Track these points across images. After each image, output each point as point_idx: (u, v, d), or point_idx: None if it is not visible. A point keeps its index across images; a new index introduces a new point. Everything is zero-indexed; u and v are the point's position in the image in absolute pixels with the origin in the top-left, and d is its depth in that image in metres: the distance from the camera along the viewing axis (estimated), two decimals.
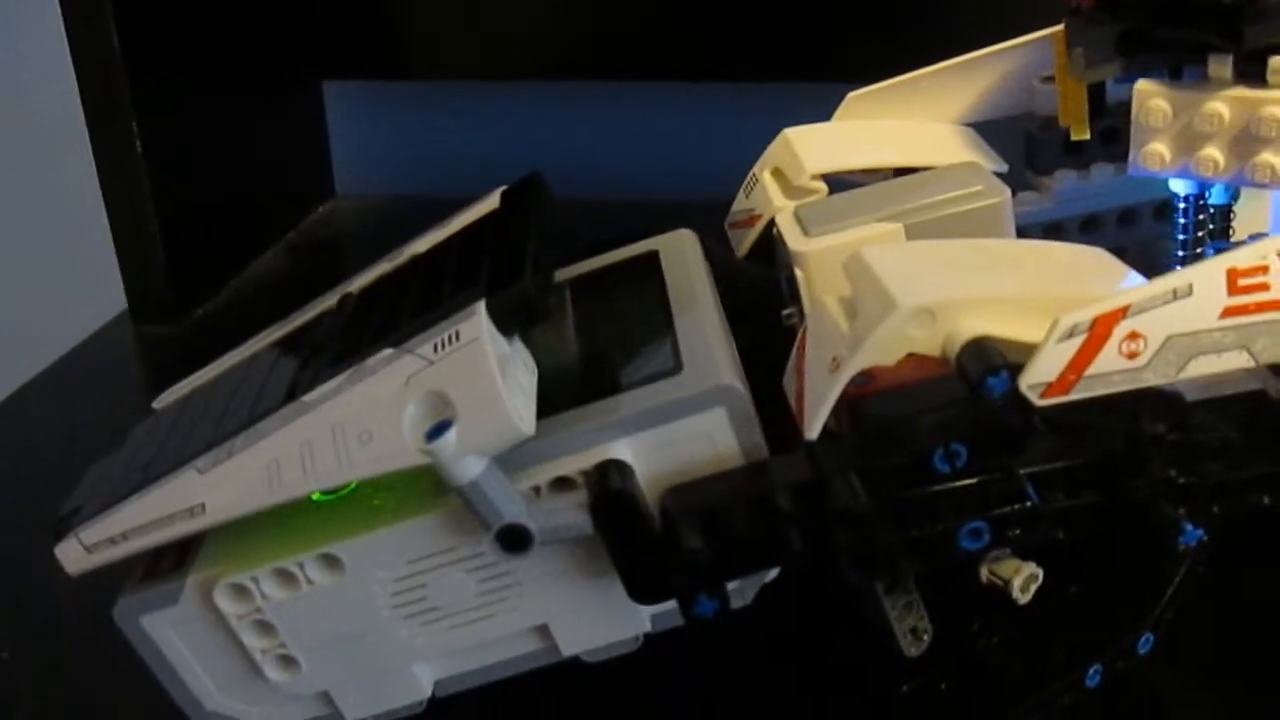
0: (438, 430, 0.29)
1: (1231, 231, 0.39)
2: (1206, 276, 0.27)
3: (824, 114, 0.44)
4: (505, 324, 0.30)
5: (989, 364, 0.27)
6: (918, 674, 0.36)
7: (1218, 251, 0.39)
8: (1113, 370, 0.27)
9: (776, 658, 0.39)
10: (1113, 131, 0.41)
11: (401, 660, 0.34)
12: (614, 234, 0.42)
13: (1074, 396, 0.27)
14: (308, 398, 0.32)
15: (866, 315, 0.29)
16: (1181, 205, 0.37)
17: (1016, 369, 0.27)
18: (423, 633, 0.33)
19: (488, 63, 0.81)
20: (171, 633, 0.34)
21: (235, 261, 0.73)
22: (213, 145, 0.71)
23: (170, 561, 0.34)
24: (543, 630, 0.34)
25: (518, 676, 0.35)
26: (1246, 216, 0.39)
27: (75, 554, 0.33)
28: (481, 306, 0.30)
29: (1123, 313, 0.26)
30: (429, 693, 0.35)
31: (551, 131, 0.83)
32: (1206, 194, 0.37)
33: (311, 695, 0.35)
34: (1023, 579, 0.33)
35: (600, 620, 0.33)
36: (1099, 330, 0.26)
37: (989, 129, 0.44)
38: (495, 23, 0.79)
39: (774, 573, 0.34)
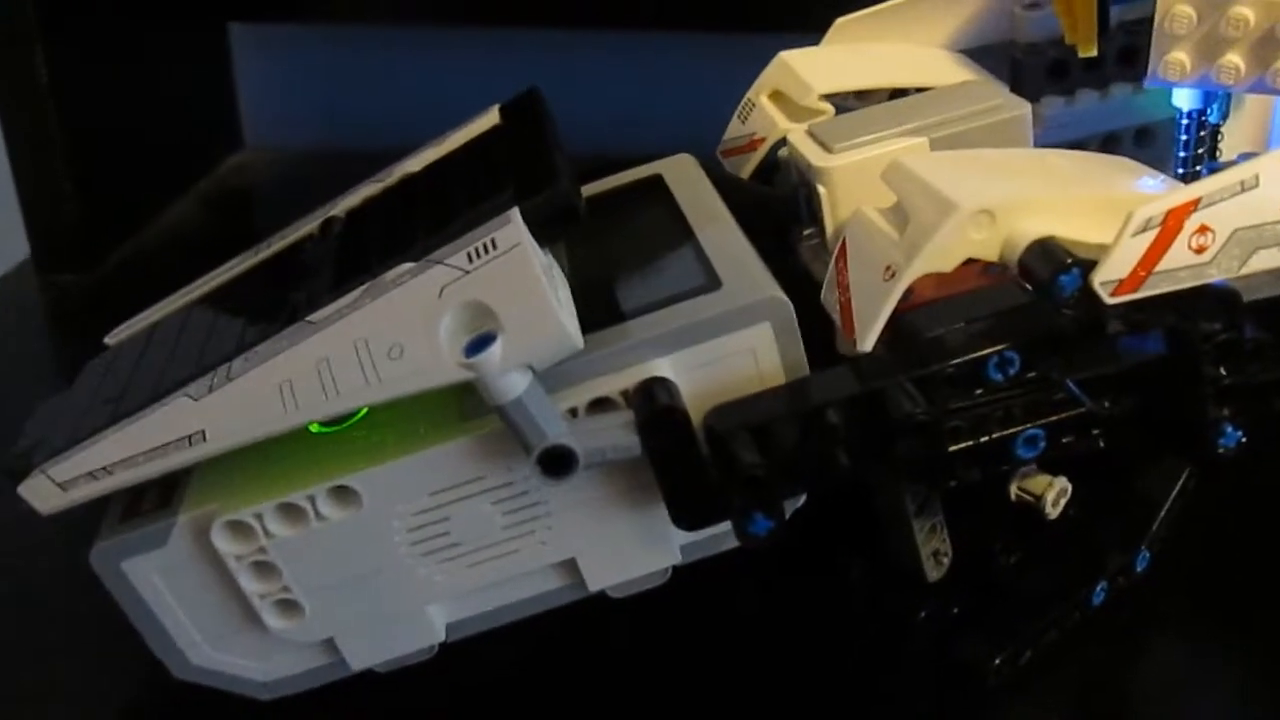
0: (479, 344, 0.27)
1: (1219, 153, 0.40)
2: (1272, 167, 0.27)
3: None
4: (542, 232, 0.28)
5: (1059, 263, 0.27)
6: (936, 596, 0.36)
7: (1210, 171, 0.39)
8: (1181, 266, 0.27)
9: (792, 585, 0.38)
10: (1096, 58, 0.41)
11: (415, 602, 0.32)
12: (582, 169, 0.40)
13: (1142, 294, 0.27)
14: (315, 317, 0.29)
15: (922, 220, 0.28)
16: (1184, 122, 0.37)
17: (1088, 266, 0.26)
18: (441, 571, 0.31)
19: (409, 6, 0.77)
20: (157, 578, 0.31)
21: (143, 211, 0.68)
22: (116, 87, 0.66)
23: (152, 501, 0.31)
24: (569, 565, 0.32)
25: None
26: (1233, 136, 0.39)
27: (47, 492, 0.29)
28: (516, 213, 0.28)
29: (1194, 205, 0.26)
30: (442, 637, 0.33)
31: (477, 80, 0.80)
32: (1207, 112, 0.37)
33: (313, 644, 0.32)
34: (1055, 494, 0.33)
35: (631, 552, 0.32)
36: (1171, 224, 0.26)
37: (970, 56, 0.44)
38: None
39: (802, 499, 0.33)
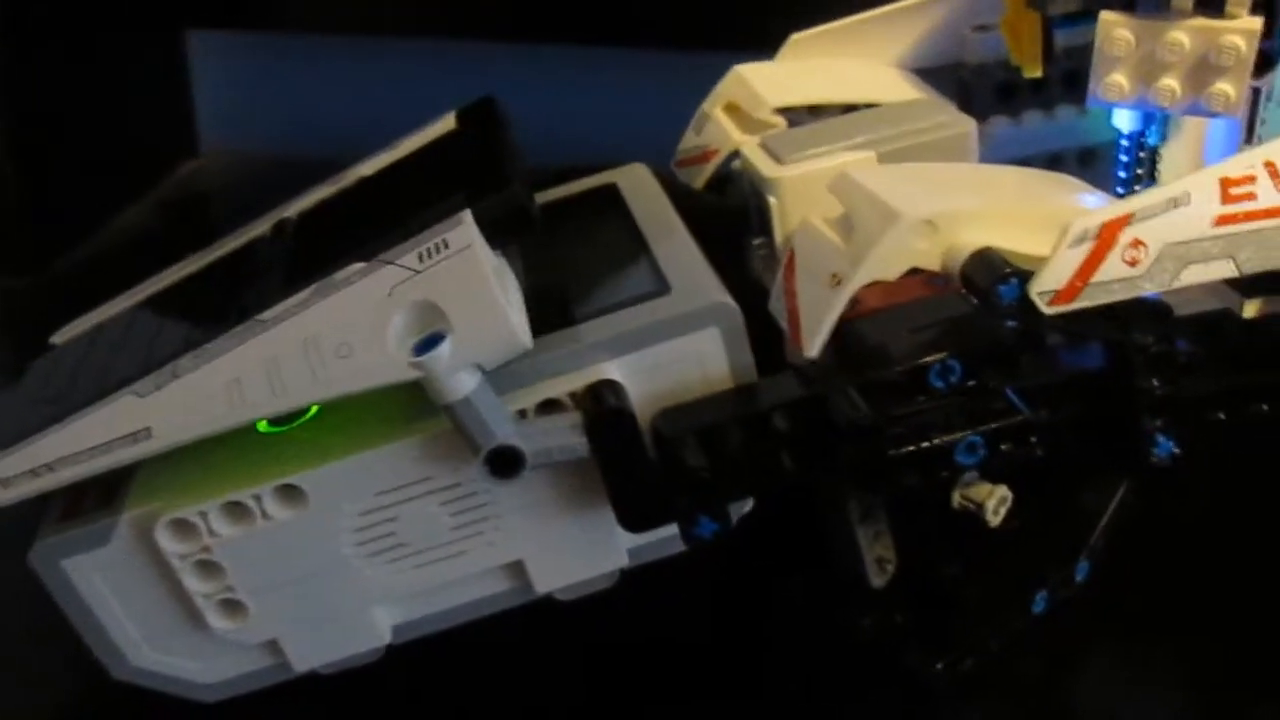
0: (428, 344, 0.27)
1: (1157, 175, 0.41)
2: (1202, 185, 0.27)
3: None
4: (494, 234, 0.28)
5: (998, 273, 0.27)
6: (880, 605, 0.36)
7: None
8: (1115, 278, 0.27)
9: (737, 592, 0.39)
10: (1041, 80, 0.42)
11: (361, 603, 0.32)
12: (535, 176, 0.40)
13: (1078, 305, 0.27)
14: (265, 315, 0.29)
15: (867, 229, 0.29)
16: (1124, 143, 0.38)
17: (1026, 276, 0.27)
18: (387, 572, 0.31)
19: (366, 15, 0.77)
20: (98, 577, 0.30)
21: (95, 216, 0.68)
22: (70, 92, 0.65)
23: (94, 500, 0.31)
24: (516, 567, 0.32)
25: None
26: (1170, 159, 0.40)
27: None
28: (468, 214, 0.28)
29: (1128, 219, 0.27)
30: (388, 639, 0.33)
31: (433, 89, 0.80)
32: (1146, 134, 0.38)
33: (256, 644, 0.32)
34: (995, 501, 0.34)
35: (578, 555, 0.32)
36: (1106, 236, 0.27)
37: (921, 75, 0.45)
38: None
39: (750, 504, 0.33)
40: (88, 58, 0.67)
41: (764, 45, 0.44)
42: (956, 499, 0.34)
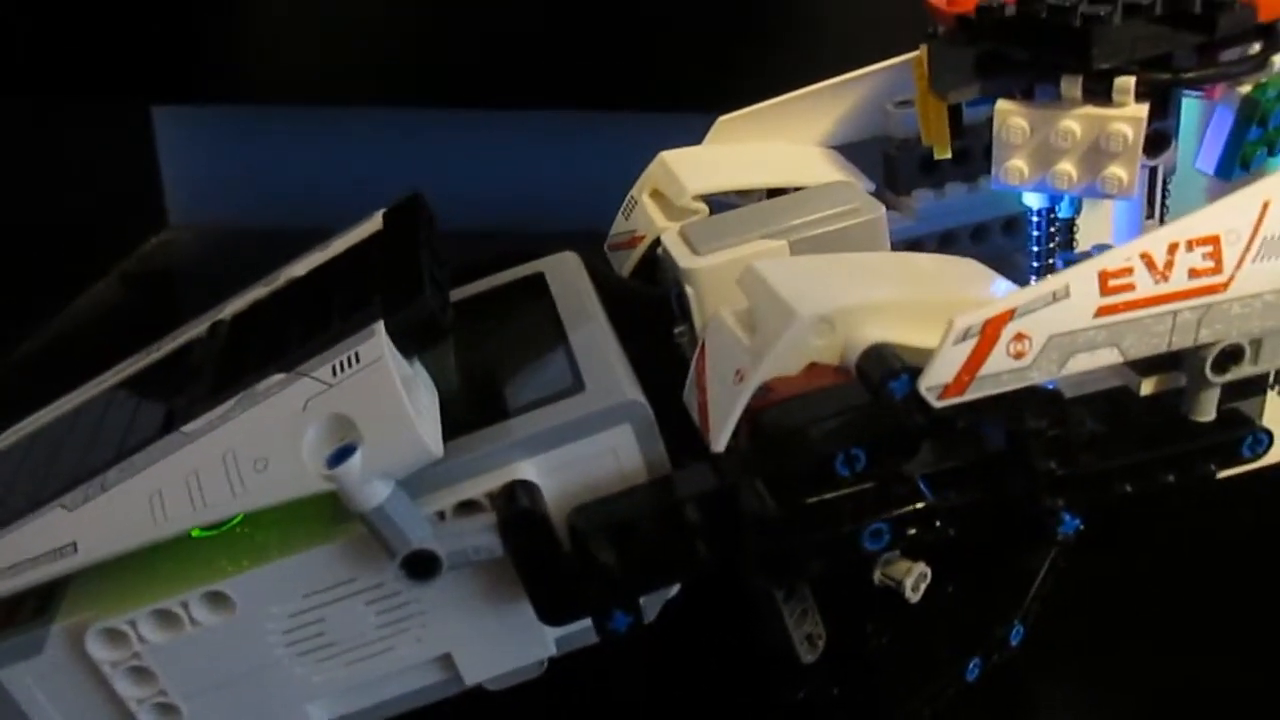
0: (341, 455, 0.28)
1: (1075, 243, 0.42)
2: (1081, 279, 0.29)
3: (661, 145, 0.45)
4: (406, 344, 0.29)
5: (889, 368, 0.28)
6: (812, 679, 0.37)
7: (1067, 262, 0.42)
8: (1002, 370, 0.28)
9: (674, 673, 0.39)
10: (964, 152, 0.43)
11: (293, 701, 0.32)
12: (470, 263, 0.41)
13: (968, 397, 0.28)
14: (189, 428, 0.30)
15: (767, 327, 0.30)
16: (1034, 219, 0.40)
17: (916, 372, 0.28)
18: (318, 670, 0.32)
19: (328, 87, 0.79)
20: (34, 686, 0.31)
21: (63, 293, 0.69)
22: (36, 168, 0.66)
23: (30, 609, 0.32)
24: (444, 660, 0.33)
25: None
26: (1088, 229, 0.42)
27: None
28: (380, 327, 0.29)
29: (1010, 315, 0.28)
30: None
31: (396, 160, 0.82)
32: (1056, 208, 0.39)
33: None
34: (914, 578, 0.34)
35: (504, 646, 0.33)
36: (989, 332, 0.28)
37: (847, 151, 0.46)
38: (336, 44, 0.77)
39: (675, 589, 0.34)
40: (54, 132, 0.69)
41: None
42: (878, 576, 0.35)
